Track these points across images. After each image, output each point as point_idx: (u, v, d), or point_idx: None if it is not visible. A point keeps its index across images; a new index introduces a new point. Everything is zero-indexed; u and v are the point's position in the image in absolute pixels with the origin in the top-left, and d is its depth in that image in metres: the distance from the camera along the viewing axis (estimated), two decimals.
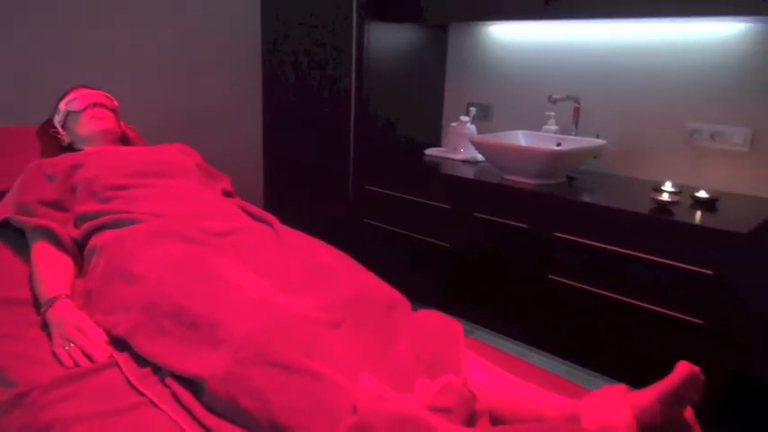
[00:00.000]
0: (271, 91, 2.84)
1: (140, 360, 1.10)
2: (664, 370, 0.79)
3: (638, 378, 0.81)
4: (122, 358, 1.12)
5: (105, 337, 1.18)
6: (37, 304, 1.30)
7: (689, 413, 0.78)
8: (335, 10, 2.47)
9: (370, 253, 2.41)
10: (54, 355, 1.15)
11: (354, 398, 0.80)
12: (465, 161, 2.40)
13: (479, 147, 2.18)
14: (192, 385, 1.01)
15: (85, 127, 1.74)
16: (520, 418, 0.88)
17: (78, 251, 1.46)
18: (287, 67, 2.73)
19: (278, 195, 2.94)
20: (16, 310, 1.30)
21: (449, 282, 2.22)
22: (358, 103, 2.44)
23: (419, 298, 1.48)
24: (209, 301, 1.08)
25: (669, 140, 2.07)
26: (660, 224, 1.67)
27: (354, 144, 2.51)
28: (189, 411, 0.96)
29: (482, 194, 2.07)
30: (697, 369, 0.75)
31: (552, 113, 2.27)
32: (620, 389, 0.78)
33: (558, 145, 2.18)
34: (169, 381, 1.03)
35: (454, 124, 2.48)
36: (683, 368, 0.75)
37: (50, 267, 1.37)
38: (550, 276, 1.90)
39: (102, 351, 1.14)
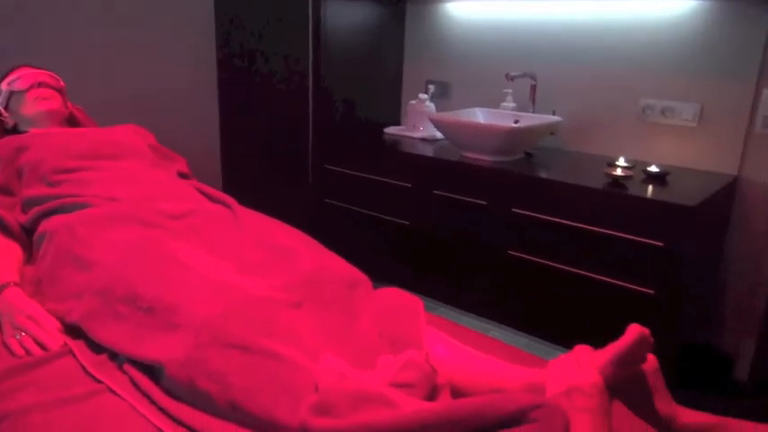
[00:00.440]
0: (226, 70, 2.77)
1: (96, 347, 1.08)
2: (617, 339, 0.81)
3: (593, 348, 0.84)
4: (77, 346, 1.09)
5: (58, 325, 1.15)
6: None
7: (652, 365, 0.80)
8: None
9: (331, 233, 2.40)
10: (4, 345, 1.11)
11: (316, 377, 0.80)
12: (424, 139, 2.40)
13: (438, 124, 2.18)
14: (151, 371, 0.99)
15: (30, 108, 1.67)
16: (481, 391, 0.89)
17: (27, 237, 1.41)
18: (243, 46, 2.67)
19: (236, 177, 2.89)
20: None
21: (409, 260, 2.24)
22: (316, 82, 2.41)
23: (380, 276, 1.49)
24: (165, 284, 1.06)
25: (622, 117, 2.11)
26: (614, 198, 1.71)
27: (313, 123, 2.48)
28: (148, 397, 0.95)
29: (441, 172, 2.08)
30: (646, 331, 0.78)
31: (510, 91, 2.29)
32: (585, 349, 0.80)
33: (516, 122, 2.20)
34: (126, 367, 1.01)
35: (413, 102, 2.47)
36: (633, 330, 0.78)
37: None
38: (509, 252, 1.93)
39: (56, 339, 1.11)
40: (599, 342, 0.83)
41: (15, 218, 1.41)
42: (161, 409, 0.93)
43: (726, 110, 1.90)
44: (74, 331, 1.13)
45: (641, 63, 2.03)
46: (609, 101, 2.13)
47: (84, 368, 1.04)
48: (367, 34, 2.51)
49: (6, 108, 1.69)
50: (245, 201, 1.58)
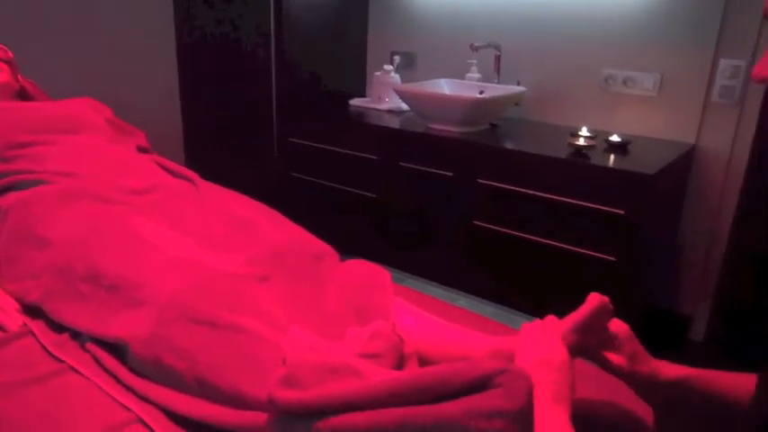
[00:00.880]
0: (185, 42, 2.69)
1: (57, 327, 1.06)
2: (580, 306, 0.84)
3: (559, 315, 0.85)
4: (37, 326, 1.07)
5: (17, 306, 1.12)
6: None
7: (625, 333, 0.83)
8: None
9: (297, 206, 2.38)
10: None
11: (283, 350, 0.80)
12: (390, 111, 2.39)
13: (403, 96, 2.17)
14: (115, 349, 0.98)
15: None
16: (448, 359, 0.91)
17: None
18: (202, 17, 2.59)
19: (199, 152, 2.83)
20: None
21: (377, 232, 2.24)
22: (278, 54, 2.36)
23: (347, 249, 1.49)
24: (127, 262, 1.04)
25: (585, 87, 2.13)
26: (577, 168, 1.74)
27: (277, 96, 2.43)
28: (112, 375, 0.94)
29: (407, 144, 2.08)
30: (606, 299, 0.80)
31: (474, 61, 2.29)
32: (552, 320, 0.82)
33: (481, 93, 2.20)
34: (89, 346, 1.00)
35: (378, 73, 2.45)
36: (592, 299, 0.80)
37: None
38: (475, 222, 1.95)
39: (14, 320, 1.08)
40: (564, 309, 0.85)
41: None
42: (127, 387, 0.92)
43: (685, 80, 1.94)
44: (33, 311, 1.10)
45: (604, 33, 2.05)
46: (572, 71, 2.14)
47: (45, 348, 1.02)
48: (331, 3, 2.46)
49: None
50: (209, 175, 1.55)
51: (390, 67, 2.41)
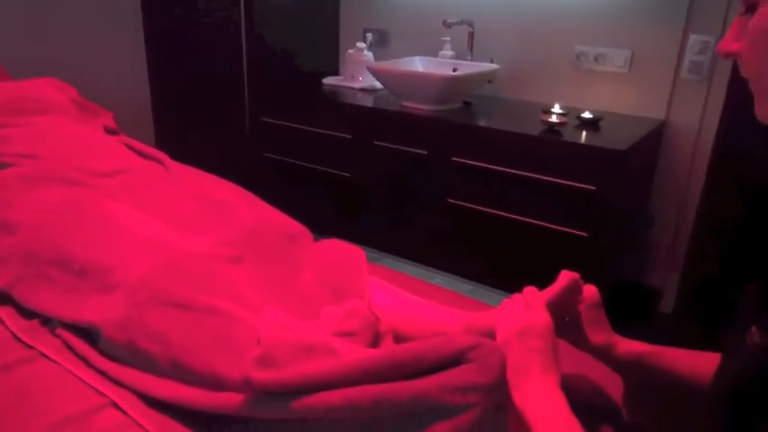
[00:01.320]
0: (153, 20, 2.62)
1: (26, 313, 1.04)
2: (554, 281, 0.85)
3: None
4: (5, 313, 1.05)
5: None
6: None
7: (593, 299, 0.84)
8: None
9: (270, 187, 2.36)
10: None
11: (258, 330, 0.80)
12: (363, 89, 2.37)
13: (377, 74, 2.15)
14: (86, 334, 0.96)
15: None
16: (423, 336, 0.91)
17: None
18: None
19: (170, 132, 2.78)
20: None
21: (352, 211, 2.24)
22: (249, 32, 2.31)
23: (322, 229, 1.48)
24: (97, 245, 1.02)
25: (557, 64, 2.14)
26: (549, 145, 1.75)
27: (248, 75, 2.39)
28: (84, 360, 0.93)
29: (381, 122, 2.07)
30: (577, 275, 0.81)
31: (448, 39, 2.27)
32: (533, 291, 0.82)
33: (455, 70, 2.19)
34: (60, 331, 0.98)
35: (351, 51, 2.42)
36: (564, 276, 0.81)
37: None
38: (450, 200, 1.96)
39: None
40: (538, 285, 0.86)
41: None
42: (99, 372, 0.91)
43: (655, 56, 1.95)
44: (1, 298, 1.08)
45: (575, 10, 2.05)
46: (544, 48, 2.15)
47: (14, 335, 1.00)
48: None
49: None
50: (180, 156, 1.52)
51: (363, 45, 2.39)
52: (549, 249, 1.80)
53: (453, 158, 1.91)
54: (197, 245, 1.04)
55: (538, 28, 2.14)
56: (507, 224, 1.86)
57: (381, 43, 2.52)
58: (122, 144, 1.51)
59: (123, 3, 2.58)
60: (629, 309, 2.08)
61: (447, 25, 2.15)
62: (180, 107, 2.71)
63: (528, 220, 1.82)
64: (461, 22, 2.18)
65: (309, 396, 0.68)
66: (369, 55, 2.39)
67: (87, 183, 1.23)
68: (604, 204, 1.68)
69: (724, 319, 0.67)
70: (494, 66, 2.18)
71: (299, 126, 2.27)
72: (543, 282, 0.85)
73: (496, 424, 0.69)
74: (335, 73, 2.64)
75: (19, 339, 0.99)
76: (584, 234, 1.73)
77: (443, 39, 2.28)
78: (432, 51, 2.34)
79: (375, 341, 0.91)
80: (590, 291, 0.84)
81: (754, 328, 0.55)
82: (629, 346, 0.82)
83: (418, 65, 2.31)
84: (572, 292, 0.81)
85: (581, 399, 0.68)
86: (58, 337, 0.98)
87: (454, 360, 0.66)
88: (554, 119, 1.80)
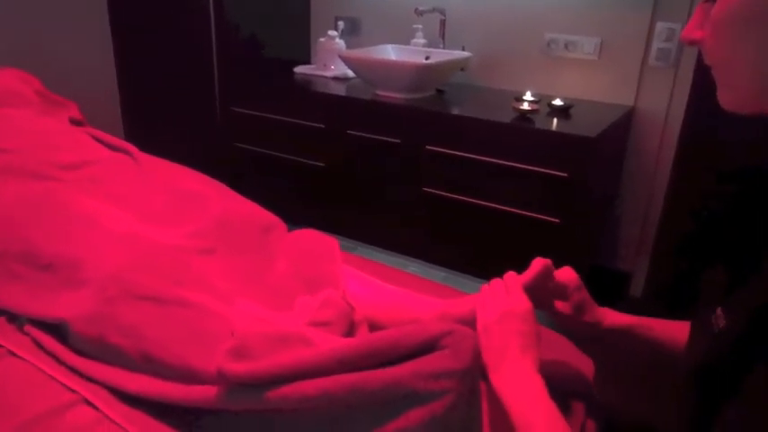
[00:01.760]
0: (119, 8, 2.56)
1: None
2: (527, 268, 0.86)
3: None
4: None
5: None
6: None
7: (574, 282, 0.86)
8: None
9: (242, 177, 2.34)
10: None
11: (231, 322, 0.79)
12: (336, 78, 2.35)
13: (349, 62, 2.14)
14: (56, 330, 0.94)
15: None
16: (397, 324, 0.91)
17: None
18: None
19: (139, 124, 2.72)
20: None
21: (326, 201, 2.23)
22: (218, 20, 2.27)
23: (296, 219, 1.48)
24: (65, 239, 1.00)
25: (528, 51, 2.15)
26: (521, 132, 1.76)
27: (218, 64, 2.36)
28: (54, 357, 0.91)
29: (354, 111, 2.06)
30: (549, 262, 0.83)
31: (420, 26, 2.27)
32: (513, 276, 0.83)
33: (427, 58, 2.19)
34: (28, 328, 0.96)
35: (322, 40, 2.40)
36: (537, 263, 0.82)
37: None
38: (424, 189, 1.96)
39: None
40: (512, 271, 0.87)
41: None
42: (70, 368, 0.89)
43: (624, 43, 1.98)
44: None
45: None
46: (515, 36, 2.15)
47: None
48: None
49: None
50: (149, 147, 1.49)
51: (335, 33, 2.37)
52: (523, 236, 1.82)
53: (427, 147, 1.91)
54: (168, 237, 1.03)
55: (509, 16, 2.15)
56: (481, 211, 1.87)
57: (353, 31, 2.50)
58: (89, 136, 1.47)
59: None
60: (601, 293, 2.12)
61: (419, 13, 2.14)
62: (148, 97, 2.66)
63: (501, 207, 1.83)
64: (433, 10, 2.18)
65: (284, 386, 0.68)
66: (340, 43, 2.37)
67: (53, 176, 1.20)
68: (576, 190, 1.70)
69: (692, 302, 0.68)
70: (466, 53, 2.19)
71: (270, 116, 2.24)
72: (516, 268, 0.86)
73: (471, 409, 0.69)
74: (307, 61, 2.62)
75: None
76: (556, 220, 1.75)
77: (415, 27, 2.27)
78: (404, 39, 2.34)
79: (350, 330, 0.91)
80: (570, 275, 0.86)
81: (719, 311, 0.56)
82: (617, 319, 0.85)
83: (390, 53, 2.30)
84: (545, 277, 0.83)
85: (553, 381, 0.69)
86: (27, 334, 0.96)
87: (428, 347, 0.66)
88: (526, 106, 1.81)
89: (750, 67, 0.51)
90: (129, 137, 2.61)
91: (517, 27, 2.14)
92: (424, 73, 2.02)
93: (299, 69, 2.46)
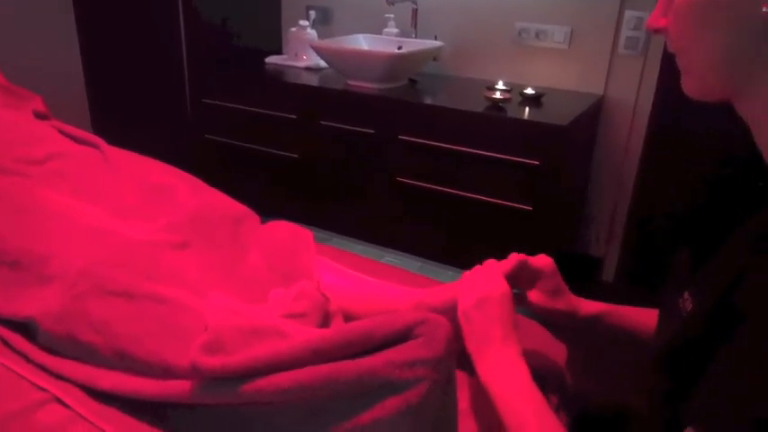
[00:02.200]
0: (84, 0, 2.50)
1: None
2: (502, 255, 0.87)
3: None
4: None
5: None
6: None
7: (549, 268, 0.87)
8: None
9: (214, 170, 2.31)
10: None
11: (205, 316, 0.79)
12: (308, 68, 2.33)
13: (321, 52, 2.13)
14: (24, 329, 0.92)
15: None
16: (373, 314, 0.91)
17: None
18: None
19: (107, 117, 2.67)
20: None
21: (300, 192, 2.22)
22: (186, 9, 2.23)
23: (270, 211, 1.46)
24: (31, 235, 0.98)
25: (500, 40, 2.16)
26: (494, 121, 1.77)
27: (187, 55, 2.32)
28: (23, 355, 0.89)
29: (327, 102, 2.05)
30: (523, 257, 0.84)
31: (391, 16, 2.26)
32: (492, 263, 0.84)
33: (399, 48, 2.19)
34: None
35: (294, 29, 2.38)
36: (513, 258, 0.83)
37: None
38: (398, 179, 1.97)
39: None
40: (487, 259, 0.88)
41: None
42: (40, 367, 0.88)
43: (593, 32, 2.00)
44: None
45: None
46: (487, 25, 2.16)
47: None
48: None
49: None
50: (118, 141, 1.46)
51: (306, 23, 2.34)
52: (496, 224, 1.84)
53: (400, 137, 1.91)
54: (139, 232, 1.01)
55: (480, 5, 2.15)
56: (454, 200, 1.88)
57: (324, 21, 2.48)
58: (54, 129, 1.43)
59: None
60: (573, 278, 2.15)
61: (390, 2, 2.13)
62: (117, 90, 2.60)
63: (475, 196, 1.84)
64: (405, 0, 2.17)
65: (259, 379, 0.67)
66: (312, 33, 2.35)
67: (18, 171, 1.17)
68: (548, 178, 1.72)
69: (660, 286, 0.69)
70: (438, 43, 2.19)
71: (242, 107, 2.22)
72: (490, 256, 0.87)
73: (446, 397, 0.70)
74: (278, 52, 2.59)
75: None
76: (528, 208, 1.77)
77: (387, 16, 2.26)
78: (376, 29, 2.32)
79: (325, 322, 0.91)
80: (545, 261, 0.87)
81: (686, 294, 0.57)
82: (590, 308, 0.86)
83: (362, 43, 2.29)
84: (521, 269, 0.84)
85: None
86: None
87: (402, 336, 0.67)
88: (498, 95, 1.82)
89: (713, 54, 0.52)
90: (97, 130, 2.56)
91: (489, 16, 2.15)
92: (397, 63, 2.01)
93: (270, 60, 2.43)
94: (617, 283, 2.17)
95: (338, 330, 0.69)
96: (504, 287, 0.77)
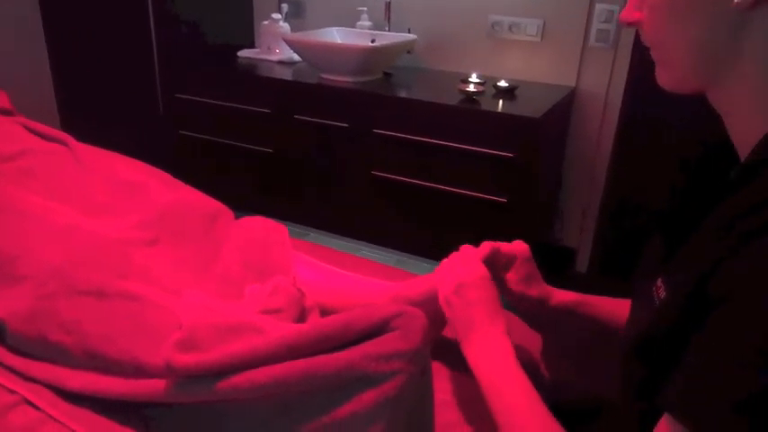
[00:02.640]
0: None
1: None
2: (478, 246, 0.88)
3: None
4: None
5: None
6: None
7: (524, 254, 0.87)
8: None
9: (187, 166, 2.28)
10: None
11: (179, 314, 0.78)
12: (281, 62, 2.31)
13: (294, 46, 2.11)
14: None
15: None
16: (349, 308, 0.91)
17: None
18: None
19: (76, 113, 2.61)
20: None
21: (275, 187, 2.20)
22: (157, 3, 2.19)
23: (245, 207, 1.45)
24: (0, 235, 0.95)
25: (473, 33, 2.16)
26: (468, 114, 1.78)
27: (158, 50, 2.27)
28: None
29: (301, 96, 2.03)
30: (497, 244, 0.84)
31: (364, 9, 2.25)
32: (469, 248, 0.84)
33: (373, 41, 2.18)
34: None
35: (266, 23, 2.35)
36: (485, 247, 0.84)
37: None
38: (373, 172, 1.96)
39: None
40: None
41: None
42: (9, 369, 0.86)
43: (565, 25, 2.01)
44: None
45: None
46: (460, 18, 2.16)
47: None
48: None
49: None
50: (89, 138, 1.43)
51: (279, 16, 2.32)
52: (471, 216, 1.85)
53: (375, 130, 1.91)
54: (110, 230, 0.99)
55: None
56: (430, 193, 1.89)
57: (297, 14, 2.46)
58: (20, 126, 1.40)
59: None
60: (547, 269, 2.18)
61: None
62: (86, 86, 2.54)
63: (450, 188, 1.85)
64: None
65: (235, 376, 0.67)
66: (285, 26, 2.32)
67: None
68: (522, 170, 1.74)
69: (632, 275, 0.70)
70: (411, 36, 2.18)
71: (215, 102, 2.19)
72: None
73: (422, 389, 0.70)
74: (251, 45, 2.56)
75: None
76: (503, 200, 1.78)
77: (360, 9, 2.25)
78: (349, 22, 2.31)
79: (301, 317, 0.90)
80: (521, 246, 0.88)
81: (659, 281, 0.57)
82: (563, 297, 0.87)
83: (336, 36, 2.28)
84: (495, 255, 0.84)
85: None
86: None
87: (378, 329, 0.67)
88: (472, 88, 1.83)
89: (688, 46, 0.52)
90: (66, 127, 2.50)
91: (462, 9, 2.15)
92: (370, 56, 2.01)
93: (242, 53, 2.40)
94: (590, 273, 2.20)
95: (315, 325, 0.68)
96: (482, 270, 0.77)
